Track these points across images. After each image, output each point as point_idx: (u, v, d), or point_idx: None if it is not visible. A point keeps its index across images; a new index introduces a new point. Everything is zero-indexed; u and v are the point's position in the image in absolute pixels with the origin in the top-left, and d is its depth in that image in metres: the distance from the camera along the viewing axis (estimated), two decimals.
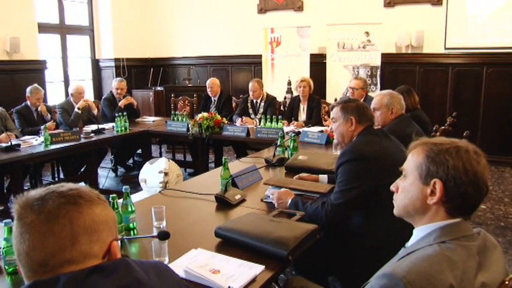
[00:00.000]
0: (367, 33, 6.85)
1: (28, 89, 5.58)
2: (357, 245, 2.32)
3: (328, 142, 4.40)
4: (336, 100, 6.16)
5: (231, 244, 2.04)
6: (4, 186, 5.02)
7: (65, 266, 0.94)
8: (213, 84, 6.42)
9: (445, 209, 1.29)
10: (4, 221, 1.88)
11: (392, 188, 1.43)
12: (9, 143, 4.61)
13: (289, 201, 2.47)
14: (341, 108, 2.55)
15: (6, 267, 1.87)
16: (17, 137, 5.06)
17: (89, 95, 8.24)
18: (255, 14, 8.26)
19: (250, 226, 2.09)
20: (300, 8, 7.82)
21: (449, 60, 6.80)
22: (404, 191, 1.37)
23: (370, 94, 5.50)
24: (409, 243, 1.36)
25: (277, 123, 5.26)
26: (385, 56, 6.90)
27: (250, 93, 6.00)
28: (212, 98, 6.47)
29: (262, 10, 8.20)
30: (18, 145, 4.67)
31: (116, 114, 5.66)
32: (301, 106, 5.81)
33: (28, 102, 5.58)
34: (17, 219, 0.96)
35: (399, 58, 7.15)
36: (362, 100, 4.89)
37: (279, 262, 1.88)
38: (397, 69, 7.17)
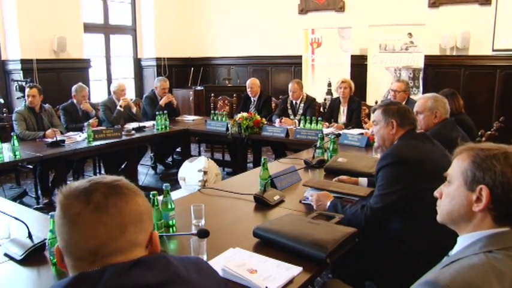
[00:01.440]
0: (410, 34, 6.72)
1: (74, 87, 5.76)
2: (396, 250, 2.27)
3: (368, 145, 4.34)
4: (376, 103, 6.07)
5: (268, 244, 2.05)
6: (49, 180, 5.17)
7: (113, 256, 0.97)
8: (253, 84, 6.44)
9: (491, 217, 1.24)
10: (50, 213, 1.95)
11: (436, 193, 1.39)
12: (55, 139, 4.77)
13: (328, 203, 2.45)
14: (382, 111, 2.51)
15: (52, 257, 1.93)
16: (61, 133, 5.22)
17: (131, 94, 8.43)
18: (295, 15, 8.22)
19: (288, 227, 2.09)
20: (341, 9, 7.75)
21: (497, 63, 6.58)
22: (449, 197, 1.33)
23: (412, 97, 5.39)
24: (452, 252, 1.31)
25: (316, 124, 5.22)
26: (428, 58, 6.74)
27: (290, 94, 5.98)
28: (252, 98, 6.49)
29: (303, 11, 8.16)
30: (63, 141, 4.81)
31: (157, 113, 5.76)
32: (341, 108, 5.75)
33: (74, 100, 5.75)
34: (63, 210, 0.99)
35: (443, 60, 6.97)
36: (404, 103, 4.81)
37: (317, 264, 1.87)
38: (440, 71, 7.00)
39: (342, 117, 5.73)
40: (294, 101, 6.02)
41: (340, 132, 4.90)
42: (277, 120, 5.74)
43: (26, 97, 5.25)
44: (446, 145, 2.39)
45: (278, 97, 6.64)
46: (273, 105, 6.68)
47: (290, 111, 6.04)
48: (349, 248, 2.02)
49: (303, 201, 2.69)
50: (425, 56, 6.68)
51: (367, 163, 3.31)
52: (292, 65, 8.37)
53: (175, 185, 4.91)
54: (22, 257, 1.98)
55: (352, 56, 7.29)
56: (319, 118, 5.39)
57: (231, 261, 1.87)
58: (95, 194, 0.98)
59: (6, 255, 2.04)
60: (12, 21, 6.79)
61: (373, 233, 2.37)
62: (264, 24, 8.58)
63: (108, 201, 0.98)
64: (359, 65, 7.26)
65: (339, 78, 5.91)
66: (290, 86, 5.97)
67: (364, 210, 2.29)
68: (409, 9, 7.06)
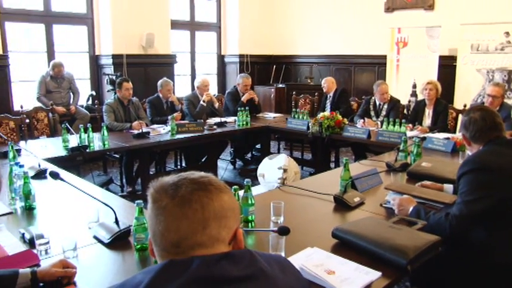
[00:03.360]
0: (507, 33, 6.31)
1: (159, 82, 5.99)
2: (483, 262, 2.15)
3: (455, 150, 4.15)
4: (465, 106, 5.78)
5: (347, 246, 2.02)
6: (133, 169, 5.41)
7: (196, 249, 0.99)
8: (326, 81, 6.48)
9: None
10: (136, 201, 2.03)
11: None
12: (140, 131, 4.99)
13: (411, 208, 2.36)
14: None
15: (135, 243, 2.02)
16: (147, 125, 5.45)
17: (213, 89, 8.64)
18: (381, 13, 8.02)
19: (369, 230, 2.04)
20: (430, 7, 7.44)
21: None
22: None
23: (505, 101, 5.06)
24: None
25: (400, 127, 5.06)
26: None
27: (378, 95, 5.78)
28: (328, 95, 6.50)
29: (389, 9, 7.94)
30: (148, 133, 5.03)
31: (239, 109, 5.85)
32: (427, 110, 5.53)
33: (159, 94, 5.98)
34: (152, 203, 1.03)
35: None
36: (498, 108, 4.56)
37: (397, 271, 1.82)
38: None
39: (427, 120, 5.51)
40: (377, 102, 5.87)
41: (425, 135, 4.72)
42: (360, 121, 5.62)
43: (122, 90, 5.50)
44: None
45: (361, 97, 6.50)
46: (355, 105, 6.57)
47: (372, 113, 5.90)
48: (431, 257, 1.94)
49: (384, 205, 2.62)
50: None
51: (453, 169, 3.14)
52: (376, 65, 8.18)
53: (253, 181, 4.95)
54: (109, 240, 2.08)
55: (440, 56, 7.00)
56: (402, 120, 5.22)
57: (308, 260, 1.85)
58: (181, 188, 1.01)
59: (95, 237, 2.16)
60: (106, 19, 7.18)
61: (457, 243, 2.26)
62: (348, 22, 8.45)
63: (192, 196, 1.00)
64: (447, 66, 6.95)
65: (425, 80, 5.68)
66: (378, 87, 5.79)
67: (449, 218, 2.18)
68: (505, 6, 6.62)
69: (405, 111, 6.32)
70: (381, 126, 5.39)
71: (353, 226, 2.12)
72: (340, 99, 6.35)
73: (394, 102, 5.84)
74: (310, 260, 1.86)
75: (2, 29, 6.27)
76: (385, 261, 1.85)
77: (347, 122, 5.35)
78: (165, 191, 1.02)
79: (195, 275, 0.93)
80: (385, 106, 5.81)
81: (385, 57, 7.63)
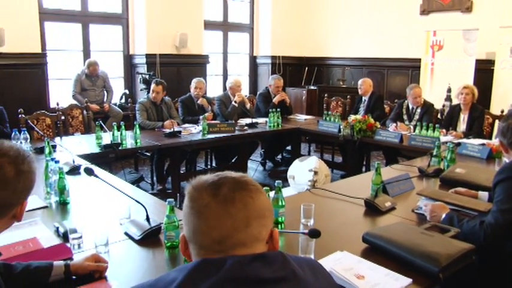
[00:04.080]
0: None
1: (192, 81, 6.04)
2: None
3: (491, 157, 4.05)
4: (502, 112, 5.64)
5: (378, 251, 1.99)
6: (164, 168, 5.47)
7: (237, 248, 1.00)
8: (363, 82, 6.34)
9: None
10: (168, 200, 2.05)
11: None
12: (172, 130, 5.05)
13: (444, 215, 2.32)
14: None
15: (166, 241, 2.04)
16: (178, 125, 5.50)
17: (245, 90, 8.66)
18: (416, 16, 7.88)
19: (400, 236, 2.01)
20: (468, 9, 7.27)
21: None
22: None
23: None
24: None
25: (433, 131, 4.97)
26: None
27: (411, 98, 5.68)
28: (363, 97, 6.39)
29: (425, 11, 7.80)
30: (179, 132, 5.08)
31: (270, 110, 5.85)
32: (462, 115, 5.41)
33: (192, 93, 6.03)
34: (192, 201, 1.04)
35: None
36: None
37: (428, 278, 1.78)
38: None
39: (462, 126, 5.39)
40: (410, 106, 5.78)
41: (459, 141, 4.62)
42: (392, 125, 5.55)
43: (151, 92, 5.60)
44: None
45: (393, 101, 6.41)
46: (387, 108, 6.48)
47: (405, 116, 5.80)
48: (464, 266, 1.90)
49: (415, 211, 2.57)
50: None
51: (488, 176, 3.06)
52: (410, 68, 8.05)
53: (283, 182, 4.94)
54: (140, 237, 2.11)
55: (477, 60, 6.85)
56: (436, 125, 5.12)
57: (338, 264, 1.84)
58: (223, 187, 1.02)
59: (126, 234, 2.19)
60: (141, 19, 7.29)
61: (489, 252, 2.20)
62: (382, 24, 8.34)
63: (235, 195, 1.01)
64: (484, 70, 6.78)
65: (461, 84, 5.56)
66: (412, 90, 5.68)
67: (484, 227, 2.13)
68: None
69: (439, 115, 6.20)
70: (414, 131, 5.30)
71: (384, 231, 2.09)
72: (375, 104, 6.26)
73: (427, 106, 5.74)
74: (340, 263, 1.85)
75: (41, 28, 6.44)
76: (416, 268, 1.82)
77: (379, 126, 5.29)
78: (205, 189, 1.03)
79: (228, 274, 0.94)
80: (418, 110, 5.72)
81: (419, 60, 7.51)
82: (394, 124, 5.56)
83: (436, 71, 7.32)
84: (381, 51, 8.43)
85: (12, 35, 5.87)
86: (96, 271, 1.76)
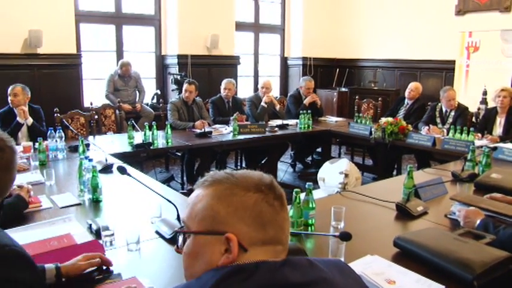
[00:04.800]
0: None
1: (222, 82, 6.08)
2: None
3: None
4: None
5: (409, 256, 1.96)
6: (194, 168, 5.51)
7: (283, 248, 1.03)
8: (415, 88, 6.20)
9: None
10: None
11: None
12: (203, 130, 5.08)
13: (478, 221, 2.25)
14: None
15: None
16: (209, 125, 5.53)
17: (276, 91, 8.66)
18: (451, 16, 7.71)
19: (432, 241, 1.97)
20: (507, 9, 7.04)
21: None
22: None
23: None
24: None
25: (467, 135, 4.86)
26: None
27: (445, 101, 5.57)
28: (407, 100, 6.28)
29: (460, 12, 7.62)
30: (210, 132, 5.11)
31: (300, 112, 5.83)
32: (498, 119, 5.27)
33: (222, 94, 6.06)
34: (260, 197, 1.04)
35: None
36: None
37: (461, 286, 1.73)
38: None
39: (498, 129, 5.25)
40: (444, 109, 5.67)
41: (495, 145, 4.50)
42: (425, 128, 5.45)
43: (183, 91, 5.66)
44: None
45: (426, 104, 6.30)
46: None
47: (438, 120, 5.69)
48: (500, 275, 1.84)
49: (448, 216, 2.52)
50: None
51: None
52: (444, 70, 7.90)
53: (313, 184, 4.92)
54: (170, 236, 2.13)
55: None
56: (470, 129, 5.01)
57: (368, 268, 1.81)
58: (277, 188, 1.04)
59: (157, 232, 2.21)
60: (173, 20, 7.37)
61: None
62: (415, 25, 8.20)
63: (282, 195, 1.05)
64: None
65: (497, 86, 5.42)
66: (445, 93, 5.57)
67: None
68: None
69: (473, 119, 6.06)
70: (447, 134, 5.19)
71: (416, 236, 2.05)
72: (416, 110, 6.13)
73: (461, 110, 5.62)
74: (370, 268, 1.82)
75: (76, 29, 6.58)
76: (448, 274, 1.78)
77: (411, 129, 5.20)
78: (265, 187, 1.03)
79: (260, 280, 0.93)
80: (452, 113, 5.61)
81: (453, 62, 7.37)
82: (427, 127, 5.46)
83: (471, 73, 7.16)
84: (413, 53, 8.29)
85: (50, 37, 6.02)
86: (96, 269, 1.77)
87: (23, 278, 1.23)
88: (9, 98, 4.64)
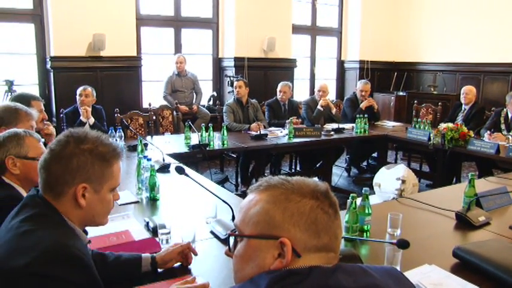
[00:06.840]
0: None
1: (278, 85, 6.10)
2: None
3: None
4: None
5: (469, 268, 1.88)
6: (249, 170, 5.54)
7: (332, 258, 1.02)
8: (468, 91, 5.97)
9: None
10: None
11: None
12: (258, 132, 5.11)
13: None
14: None
15: None
16: (265, 127, 5.56)
17: (332, 95, 8.57)
18: None
19: (495, 253, 1.89)
20: None
21: None
22: None
23: None
24: None
25: None
26: None
27: (510, 107, 5.32)
28: (464, 106, 6.05)
29: None
30: (266, 135, 5.13)
31: (357, 116, 5.74)
32: None
33: (278, 97, 6.07)
34: (315, 203, 1.05)
35: None
36: None
37: None
38: None
39: None
40: (510, 115, 5.41)
41: None
42: (487, 134, 5.23)
43: (233, 89, 5.71)
44: None
45: (490, 109, 6.05)
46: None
47: (503, 126, 5.44)
48: None
49: None
50: None
51: None
52: (509, 74, 7.57)
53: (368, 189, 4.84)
54: (225, 236, 2.14)
55: None
56: None
57: (426, 278, 1.76)
58: (331, 196, 1.05)
59: (212, 232, 2.24)
60: (230, 23, 7.45)
61: None
62: (478, 27, 7.89)
63: (336, 203, 1.05)
64: None
65: None
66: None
67: None
68: None
69: None
70: None
71: (477, 247, 1.97)
72: (475, 115, 5.91)
73: None
74: (428, 278, 1.77)
75: (137, 33, 6.78)
76: None
77: (472, 135, 5.00)
78: (321, 194, 1.03)
79: (313, 284, 0.93)
80: None
81: None
82: (489, 133, 5.22)
83: None
84: (476, 56, 7.97)
85: (112, 40, 6.24)
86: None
87: (80, 282, 1.26)
88: (79, 98, 4.87)
